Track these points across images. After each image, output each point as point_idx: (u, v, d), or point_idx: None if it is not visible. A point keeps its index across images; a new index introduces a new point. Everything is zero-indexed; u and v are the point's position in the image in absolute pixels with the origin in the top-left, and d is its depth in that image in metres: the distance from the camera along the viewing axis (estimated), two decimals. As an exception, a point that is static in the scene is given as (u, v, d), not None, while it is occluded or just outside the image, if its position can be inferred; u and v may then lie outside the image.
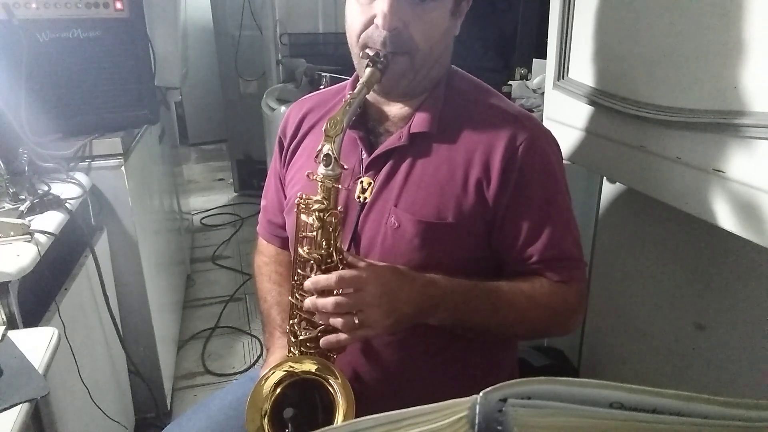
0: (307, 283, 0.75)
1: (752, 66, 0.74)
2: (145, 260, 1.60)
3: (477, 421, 0.37)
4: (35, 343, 0.88)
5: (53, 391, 1.03)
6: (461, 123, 0.85)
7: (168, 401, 1.78)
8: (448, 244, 0.83)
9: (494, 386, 0.37)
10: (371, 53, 0.79)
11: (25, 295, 1.03)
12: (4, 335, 0.90)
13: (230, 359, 2.13)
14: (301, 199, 0.78)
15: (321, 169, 0.74)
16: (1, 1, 1.32)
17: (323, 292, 0.75)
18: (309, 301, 0.75)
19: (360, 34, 0.81)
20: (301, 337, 0.80)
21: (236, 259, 2.89)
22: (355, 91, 0.77)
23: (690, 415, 0.35)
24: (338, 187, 0.75)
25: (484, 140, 0.83)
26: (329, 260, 0.76)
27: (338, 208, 0.76)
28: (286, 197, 0.97)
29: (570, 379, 0.37)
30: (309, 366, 0.77)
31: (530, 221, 0.83)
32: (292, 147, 0.97)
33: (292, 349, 0.83)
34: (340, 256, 0.77)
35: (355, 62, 0.85)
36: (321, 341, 0.77)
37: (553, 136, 0.89)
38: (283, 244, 1.04)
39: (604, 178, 1.34)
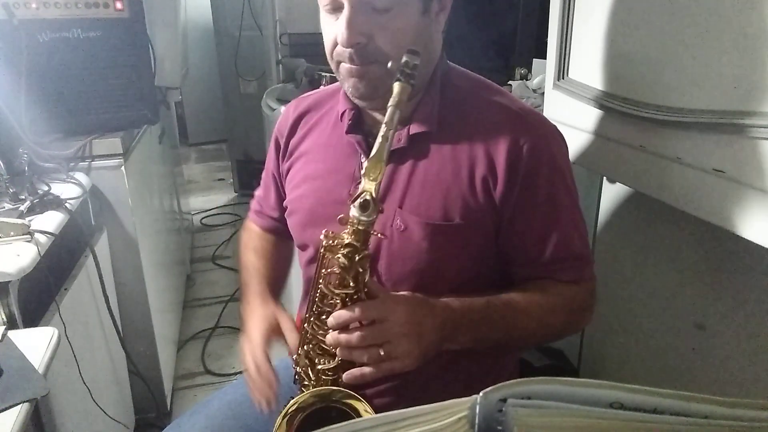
0: (331, 320, 0.72)
1: (752, 65, 0.74)
2: (145, 260, 1.60)
3: (477, 421, 0.37)
4: (35, 343, 0.88)
5: (53, 391, 1.03)
6: (462, 121, 0.83)
7: (168, 401, 1.78)
8: (456, 246, 0.82)
9: (494, 386, 0.37)
10: (341, 77, 0.79)
11: (25, 295, 1.03)
12: (4, 335, 0.90)
13: (230, 359, 2.13)
14: (328, 238, 0.72)
15: (354, 212, 0.68)
16: (1, 1, 1.32)
17: (346, 326, 0.72)
18: (331, 338, 0.73)
19: (332, 52, 0.80)
20: (318, 367, 0.78)
21: (236, 259, 2.88)
22: (387, 118, 0.70)
23: (690, 415, 0.35)
24: (372, 232, 0.70)
25: (486, 138, 0.81)
26: (355, 296, 0.73)
27: (368, 249, 0.72)
28: (285, 196, 0.97)
29: (570, 379, 0.37)
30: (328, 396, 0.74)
31: (539, 221, 0.82)
32: (290, 147, 0.96)
33: (309, 372, 0.80)
34: (366, 290, 0.73)
35: (337, 76, 0.84)
36: (344, 376, 0.74)
37: (558, 132, 0.87)
38: (273, 230, 1.06)
39: (604, 178, 1.34)
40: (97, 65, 1.46)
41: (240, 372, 2.05)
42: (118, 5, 1.45)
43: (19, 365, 0.82)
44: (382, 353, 0.70)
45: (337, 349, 0.74)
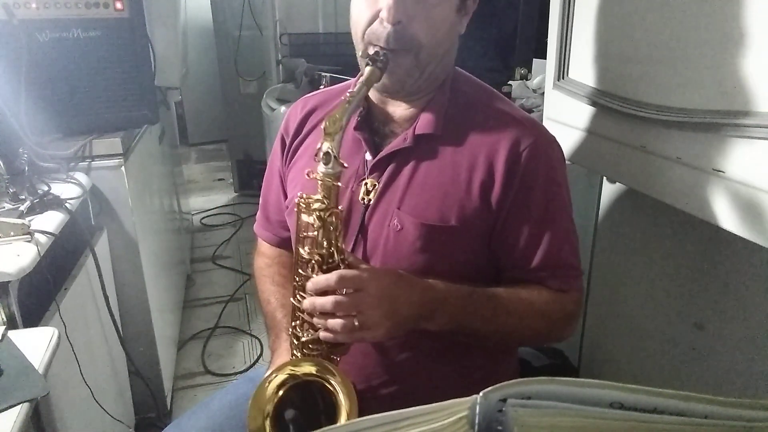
0: (309, 284, 0.74)
1: (752, 66, 0.74)
2: (145, 260, 1.60)
3: (477, 421, 0.37)
4: (35, 343, 0.88)
5: (53, 391, 1.03)
6: (466, 125, 0.85)
7: (168, 401, 1.78)
8: (451, 248, 0.83)
9: (494, 386, 0.37)
10: (371, 52, 0.79)
11: (25, 295, 1.03)
12: (4, 335, 0.89)
13: (230, 359, 2.13)
14: (301, 198, 0.76)
15: (321, 168, 0.73)
16: (1, 1, 1.32)
17: (323, 293, 0.73)
18: (308, 301, 0.74)
19: (365, 30, 0.80)
20: (303, 339, 0.79)
21: (236, 259, 2.89)
22: (355, 90, 0.75)
23: (690, 415, 0.35)
24: (338, 185, 0.74)
25: (488, 143, 0.83)
26: (330, 260, 0.75)
27: (339, 207, 0.75)
28: (287, 197, 0.97)
29: (570, 379, 0.37)
30: (311, 368, 0.77)
31: (531, 227, 0.83)
32: (294, 145, 0.96)
33: (294, 351, 0.82)
34: (342, 256, 0.75)
35: (359, 59, 0.85)
36: (320, 334, 0.76)
37: (557, 143, 0.88)
38: (282, 243, 1.04)
39: (604, 178, 1.34)
40: (97, 65, 1.46)
41: (240, 372, 2.05)
42: (118, 5, 1.45)
43: (19, 365, 0.82)
44: (356, 323, 0.72)
45: (314, 318, 0.75)
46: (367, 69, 0.77)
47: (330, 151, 0.72)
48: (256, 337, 2.24)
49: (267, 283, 1.01)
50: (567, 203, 0.87)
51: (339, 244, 0.76)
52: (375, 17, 0.78)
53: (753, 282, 0.97)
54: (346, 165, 0.74)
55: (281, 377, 0.77)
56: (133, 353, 1.56)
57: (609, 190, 1.34)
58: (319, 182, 0.73)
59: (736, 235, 0.80)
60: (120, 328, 1.47)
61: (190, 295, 2.54)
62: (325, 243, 0.75)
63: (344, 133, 0.73)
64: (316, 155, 0.73)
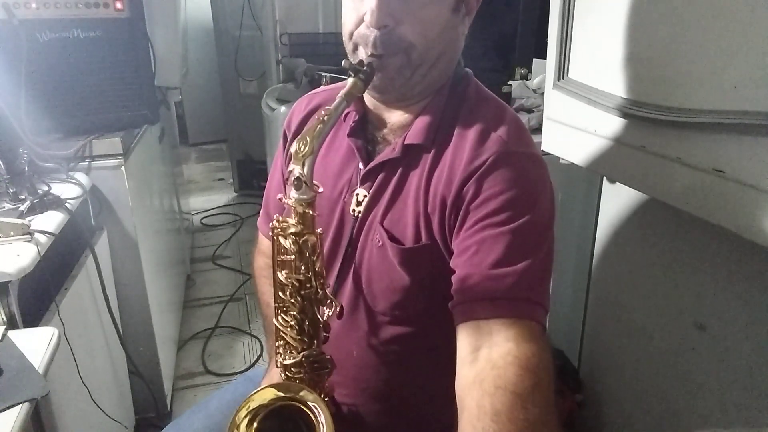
0: None
1: (752, 65, 0.74)
2: (145, 260, 1.60)
3: None
4: (35, 343, 0.88)
5: (53, 391, 1.03)
6: (451, 136, 0.77)
7: (168, 401, 1.78)
8: (428, 264, 0.77)
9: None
10: (356, 60, 0.74)
11: (25, 295, 1.03)
12: (4, 335, 0.89)
13: (230, 359, 2.13)
14: (277, 221, 0.72)
15: (293, 193, 0.67)
16: (1, 1, 1.32)
17: None
18: None
19: (352, 33, 0.75)
20: (285, 362, 0.76)
21: (236, 259, 2.88)
22: (332, 106, 0.69)
23: None
24: (311, 213, 0.69)
25: (456, 155, 0.75)
26: (308, 285, 0.72)
27: (318, 231, 0.70)
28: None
29: None
30: (274, 394, 0.72)
31: (487, 248, 0.69)
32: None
33: (278, 372, 0.79)
34: (321, 281, 0.72)
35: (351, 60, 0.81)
36: None
37: (540, 163, 0.76)
38: None
39: (604, 178, 1.34)
40: (97, 65, 1.46)
41: (240, 372, 2.05)
42: (118, 5, 1.45)
43: (19, 365, 0.82)
44: None
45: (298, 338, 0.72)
46: (350, 81, 0.71)
47: (301, 176, 0.66)
48: (256, 337, 2.24)
49: (267, 285, 0.98)
50: (533, 232, 0.70)
51: (317, 268, 0.71)
52: (362, 20, 0.73)
53: (753, 282, 0.97)
54: (320, 189, 0.68)
55: (253, 407, 0.71)
56: (133, 353, 1.56)
57: (609, 190, 1.34)
58: (292, 208, 0.68)
59: (736, 234, 0.80)
60: (120, 328, 1.47)
61: (190, 295, 2.54)
62: (302, 268, 0.71)
63: (316, 156, 0.67)
64: (286, 179, 0.68)
